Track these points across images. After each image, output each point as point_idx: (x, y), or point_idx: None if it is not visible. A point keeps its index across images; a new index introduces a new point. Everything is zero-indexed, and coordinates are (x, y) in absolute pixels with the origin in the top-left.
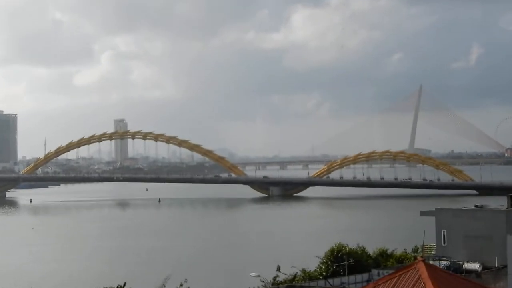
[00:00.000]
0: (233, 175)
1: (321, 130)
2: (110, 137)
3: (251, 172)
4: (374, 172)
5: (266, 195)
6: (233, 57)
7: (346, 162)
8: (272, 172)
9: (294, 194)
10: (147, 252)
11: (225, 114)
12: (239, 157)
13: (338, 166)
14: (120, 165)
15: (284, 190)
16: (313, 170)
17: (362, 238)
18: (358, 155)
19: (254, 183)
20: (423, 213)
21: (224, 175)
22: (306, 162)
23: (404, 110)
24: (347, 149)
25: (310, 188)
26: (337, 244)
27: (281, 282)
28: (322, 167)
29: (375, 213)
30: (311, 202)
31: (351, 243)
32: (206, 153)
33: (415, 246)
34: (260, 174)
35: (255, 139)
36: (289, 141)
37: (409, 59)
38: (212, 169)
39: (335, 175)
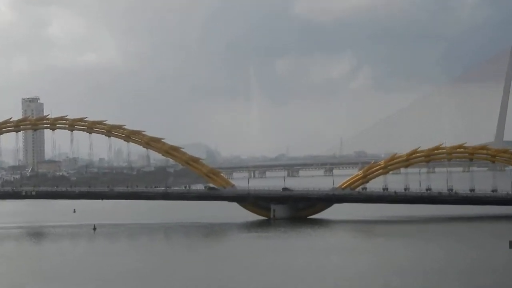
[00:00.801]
0: (214, 187)
1: (355, 113)
2: (16, 126)
3: (242, 182)
4: (439, 179)
5: (265, 217)
6: (213, 1)
7: (393, 164)
8: (275, 181)
9: (310, 216)
10: None
11: (201, 91)
12: (224, 158)
13: (381, 171)
14: (32, 171)
15: (293, 210)
16: (341, 178)
17: (421, 285)
18: (413, 152)
19: (246, 200)
20: None
21: (199, 187)
22: (329, 165)
23: (486, 80)
24: (396, 144)
25: (336, 205)
26: None
27: None
28: (355, 172)
29: (440, 245)
30: (337, 228)
31: None
32: (171, 151)
33: None
34: (256, 184)
35: (249, 130)
36: (302, 132)
37: (491, 5)
38: (180, 178)
39: (376, 184)
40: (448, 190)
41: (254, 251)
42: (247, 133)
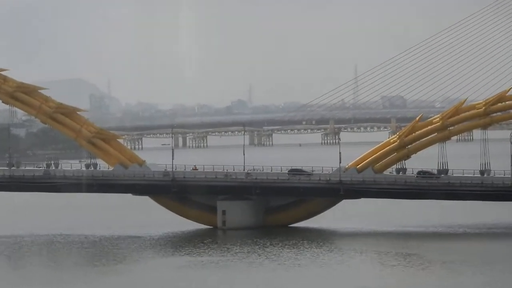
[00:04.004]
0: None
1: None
2: None
3: (161, 155)
4: None
5: (208, 226)
6: None
7: (460, 120)
8: (227, 154)
9: (292, 224)
10: None
11: None
12: (125, 109)
13: (438, 134)
14: None
15: (261, 212)
16: (355, 148)
17: None
18: (501, 97)
19: (169, 191)
20: None
21: (79, 166)
22: (333, 124)
23: None
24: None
25: (344, 202)
26: None
27: None
28: (385, 137)
29: None
30: (347, 250)
31: None
32: (20, 96)
33: None
34: (190, 158)
35: (177, 56)
36: (279, 59)
37: None
38: (39, 146)
39: (423, 161)
40: None
41: None
42: (172, 63)
